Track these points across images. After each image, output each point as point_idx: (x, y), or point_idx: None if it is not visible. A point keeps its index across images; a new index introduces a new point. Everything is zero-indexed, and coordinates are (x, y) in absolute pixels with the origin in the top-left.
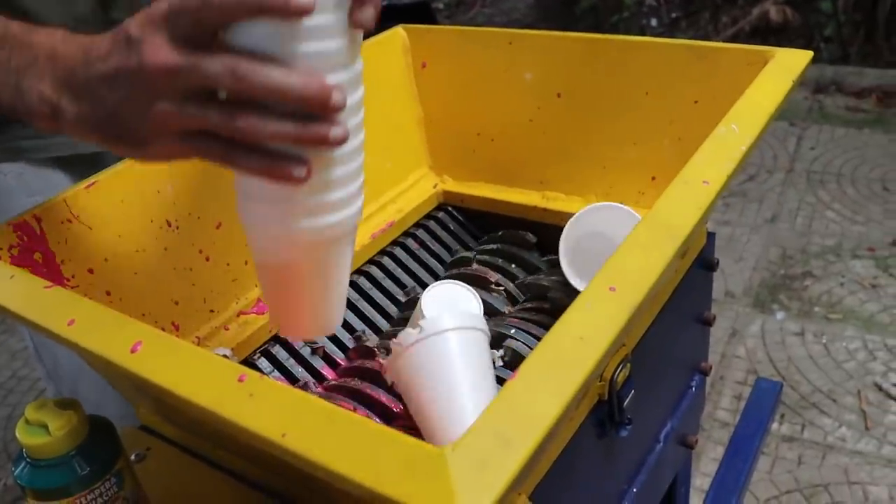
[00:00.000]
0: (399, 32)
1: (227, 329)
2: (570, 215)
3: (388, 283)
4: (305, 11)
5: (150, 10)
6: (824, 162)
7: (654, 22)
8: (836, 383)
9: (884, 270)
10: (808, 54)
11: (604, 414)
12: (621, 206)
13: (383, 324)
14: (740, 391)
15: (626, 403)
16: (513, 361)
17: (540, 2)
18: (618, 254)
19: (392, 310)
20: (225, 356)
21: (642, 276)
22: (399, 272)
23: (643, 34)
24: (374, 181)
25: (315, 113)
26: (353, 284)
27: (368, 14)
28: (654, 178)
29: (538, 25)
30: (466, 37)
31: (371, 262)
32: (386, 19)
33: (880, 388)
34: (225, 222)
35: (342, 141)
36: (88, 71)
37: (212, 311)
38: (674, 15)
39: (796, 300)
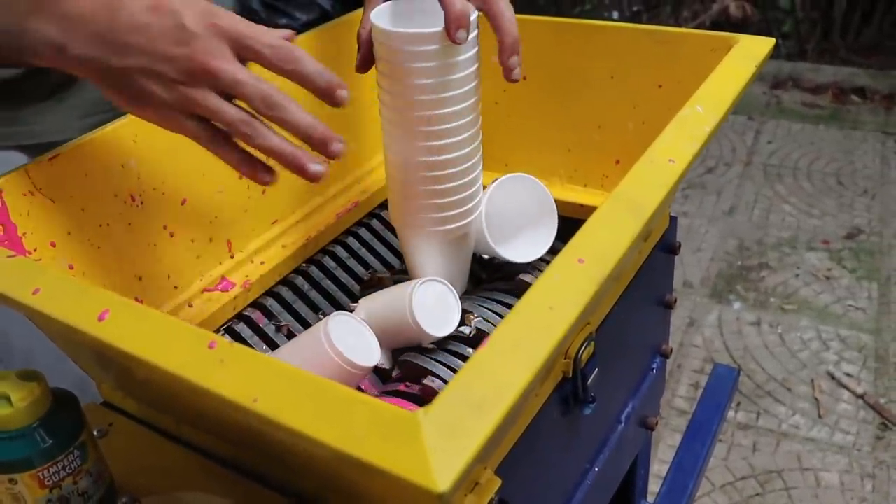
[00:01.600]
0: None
1: (190, 306)
2: None
3: (352, 263)
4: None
5: (214, 13)
6: (781, 156)
7: (615, 15)
8: (790, 372)
9: (837, 263)
10: (770, 41)
11: (568, 391)
12: (526, 175)
13: (346, 302)
14: (697, 380)
15: (589, 382)
16: (477, 338)
17: None
18: (586, 228)
19: (356, 289)
20: None
21: (609, 249)
22: (363, 252)
23: None
24: (338, 162)
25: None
26: (317, 264)
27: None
28: (618, 162)
29: None
30: None
31: (336, 241)
32: (350, 5)
33: (833, 377)
34: (190, 198)
35: (317, 178)
36: (115, 31)
37: (175, 287)
38: (635, 8)
39: (753, 291)
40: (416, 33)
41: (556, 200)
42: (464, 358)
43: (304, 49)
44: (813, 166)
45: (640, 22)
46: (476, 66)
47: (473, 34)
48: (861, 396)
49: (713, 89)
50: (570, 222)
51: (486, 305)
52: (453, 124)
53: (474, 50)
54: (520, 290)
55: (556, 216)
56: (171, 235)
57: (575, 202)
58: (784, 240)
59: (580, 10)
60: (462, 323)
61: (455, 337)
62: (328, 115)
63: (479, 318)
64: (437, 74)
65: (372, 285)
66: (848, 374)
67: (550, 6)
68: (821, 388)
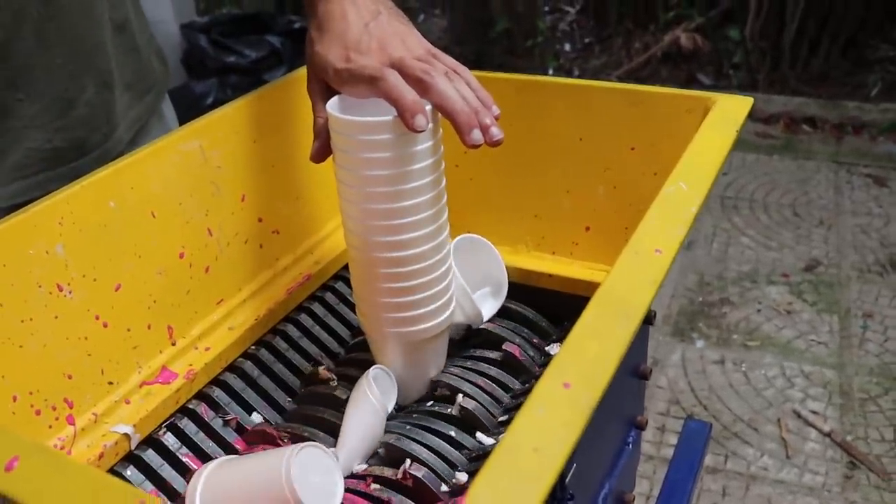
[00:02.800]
0: None
1: (128, 402)
2: None
3: (305, 343)
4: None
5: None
6: (737, 188)
7: (567, 47)
8: (756, 411)
9: (798, 296)
10: (748, 101)
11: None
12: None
13: (298, 386)
14: (663, 422)
15: (567, 480)
16: (465, 419)
17: (454, 24)
18: (571, 340)
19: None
20: (126, 434)
21: (598, 368)
22: (317, 329)
23: (557, 59)
24: (289, 231)
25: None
26: (267, 346)
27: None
28: (588, 229)
29: (453, 49)
30: None
31: (287, 319)
32: (299, 41)
33: (799, 416)
34: (125, 283)
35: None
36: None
37: (111, 382)
38: (587, 40)
39: (715, 328)
40: (373, 121)
41: (522, 269)
42: (447, 439)
43: (251, 108)
44: (769, 197)
45: (592, 54)
46: (436, 157)
47: (430, 125)
48: (828, 435)
49: (695, 161)
50: (538, 293)
51: (470, 379)
52: (413, 218)
53: (432, 141)
54: (506, 361)
55: (503, 269)
56: (105, 326)
57: (543, 272)
58: (744, 274)
59: (533, 42)
60: (447, 400)
61: (438, 414)
62: (282, 182)
63: (463, 396)
64: (394, 165)
65: (312, 382)
66: (814, 412)
67: (503, 38)
68: (787, 427)
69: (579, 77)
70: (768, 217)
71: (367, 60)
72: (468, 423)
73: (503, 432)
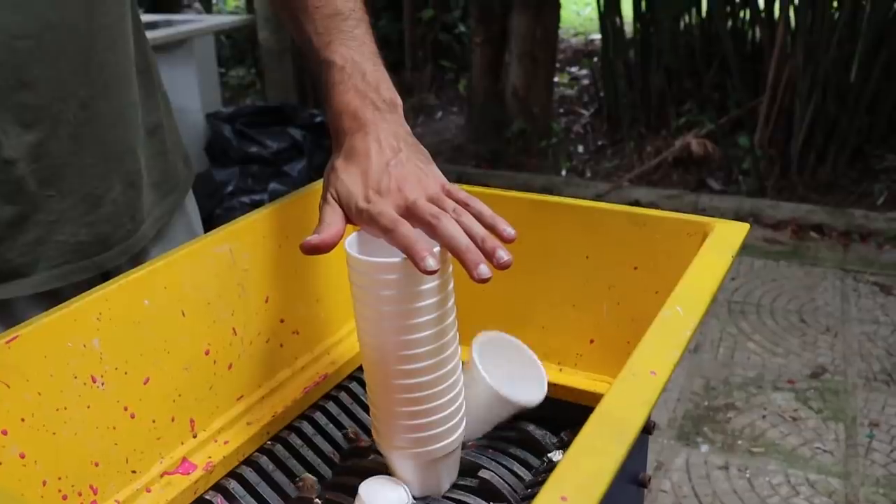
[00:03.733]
0: None
1: (149, 491)
2: None
3: (318, 440)
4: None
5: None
6: (744, 293)
7: (580, 149)
8: None
9: (803, 403)
10: (744, 227)
11: None
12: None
13: (312, 482)
14: None
15: None
16: (483, 490)
17: (471, 123)
18: (570, 455)
19: (322, 468)
20: None
21: (594, 482)
22: (331, 427)
23: (570, 160)
24: (308, 331)
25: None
26: (283, 441)
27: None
28: (592, 342)
29: (468, 146)
30: None
31: (302, 416)
32: (321, 134)
33: None
34: (153, 377)
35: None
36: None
37: (134, 472)
38: (600, 143)
39: (720, 433)
40: (384, 262)
41: None
42: None
43: (278, 215)
44: (775, 303)
45: (604, 156)
46: (444, 293)
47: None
48: None
49: (692, 285)
50: (544, 401)
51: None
52: (425, 348)
53: (440, 280)
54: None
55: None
56: (132, 417)
57: (549, 381)
58: (750, 379)
59: (547, 143)
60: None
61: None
62: (303, 286)
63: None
64: (405, 302)
65: (353, 453)
66: None
67: (518, 138)
68: None
69: (591, 178)
70: (775, 323)
71: (384, 206)
72: (488, 495)
73: None
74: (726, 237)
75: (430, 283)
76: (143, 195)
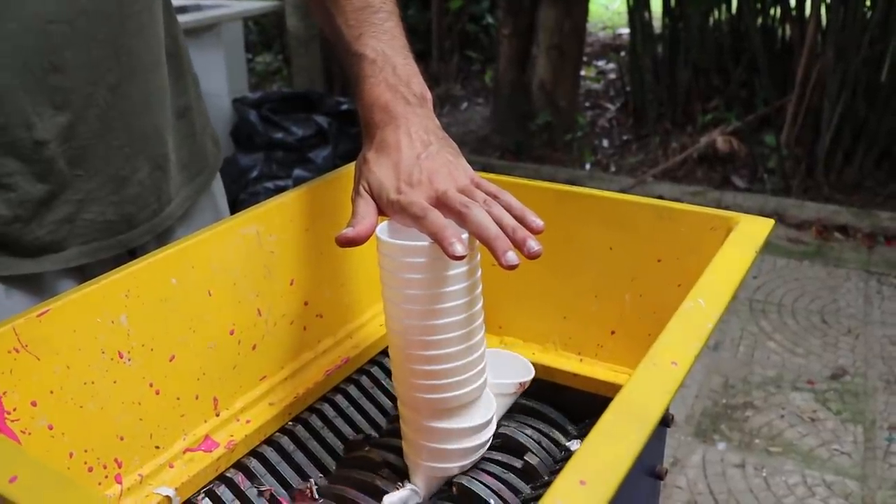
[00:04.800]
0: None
1: (171, 467)
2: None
3: (339, 423)
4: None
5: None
6: (766, 292)
7: (605, 143)
8: None
9: (822, 404)
10: (769, 222)
11: None
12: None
13: (330, 464)
14: None
15: None
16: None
17: (496, 115)
18: (590, 441)
19: (342, 450)
20: (168, 497)
21: (612, 468)
22: (351, 410)
23: (594, 154)
24: (332, 315)
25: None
26: (303, 423)
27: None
28: (613, 332)
29: (493, 137)
30: None
31: (324, 399)
32: (346, 122)
33: None
34: (178, 354)
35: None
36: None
37: (157, 447)
38: (625, 137)
39: (737, 431)
40: (412, 245)
41: (549, 367)
42: None
43: (305, 199)
44: (797, 303)
45: (629, 151)
46: (472, 280)
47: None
48: None
49: (715, 279)
50: (563, 390)
51: (484, 481)
52: (452, 334)
53: (468, 266)
54: (526, 472)
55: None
56: (157, 393)
57: (568, 370)
58: (769, 378)
59: (572, 136)
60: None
61: None
62: (328, 269)
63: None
64: (432, 286)
65: (356, 447)
66: None
67: (543, 130)
68: None
69: (615, 173)
70: (796, 323)
71: (415, 196)
72: None
73: None
74: (750, 232)
75: (458, 269)
76: (170, 176)
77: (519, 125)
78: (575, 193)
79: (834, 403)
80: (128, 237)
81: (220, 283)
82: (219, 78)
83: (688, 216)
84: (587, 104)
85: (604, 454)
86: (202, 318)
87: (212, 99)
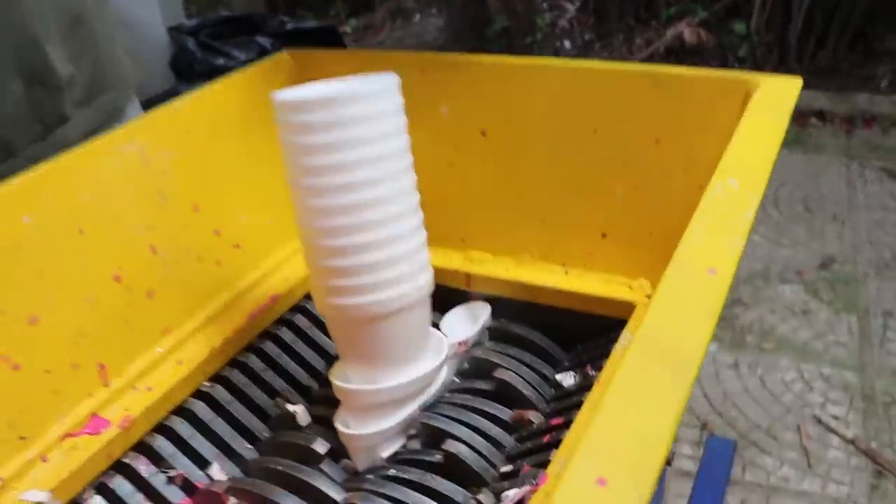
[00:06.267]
0: (284, 58)
1: (45, 460)
2: (498, 281)
3: (269, 376)
4: None
5: None
6: None
7: (567, 44)
8: (774, 418)
9: (813, 295)
10: (797, 81)
11: None
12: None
13: (261, 431)
14: (679, 433)
15: None
16: (449, 464)
17: (451, 24)
18: (607, 411)
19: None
20: (40, 503)
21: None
22: (285, 360)
23: (557, 56)
24: (252, 244)
25: None
26: (224, 382)
27: None
28: (604, 236)
29: (450, 48)
30: (364, 61)
31: (249, 348)
32: (291, 43)
33: (820, 421)
34: (43, 315)
35: None
36: None
37: (22, 437)
38: (587, 37)
39: (728, 329)
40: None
41: (527, 284)
42: (432, 493)
43: (207, 102)
44: (779, 193)
45: (593, 50)
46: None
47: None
48: (851, 441)
49: (744, 154)
50: (547, 311)
51: (462, 419)
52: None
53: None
54: (500, 391)
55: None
56: (16, 368)
57: (551, 286)
58: (756, 272)
59: (532, 40)
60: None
61: (419, 462)
62: (243, 188)
63: (452, 441)
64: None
65: (281, 426)
66: (835, 417)
67: (501, 36)
68: (808, 434)
69: None
70: (779, 213)
71: None
72: (458, 474)
73: (506, 487)
74: (775, 94)
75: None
76: (58, 95)
77: (475, 33)
78: (544, 67)
79: (825, 293)
80: (3, 169)
81: (96, 218)
82: (150, 4)
83: (692, 82)
84: (545, 5)
85: (630, 432)
86: (73, 265)
87: (145, 28)
